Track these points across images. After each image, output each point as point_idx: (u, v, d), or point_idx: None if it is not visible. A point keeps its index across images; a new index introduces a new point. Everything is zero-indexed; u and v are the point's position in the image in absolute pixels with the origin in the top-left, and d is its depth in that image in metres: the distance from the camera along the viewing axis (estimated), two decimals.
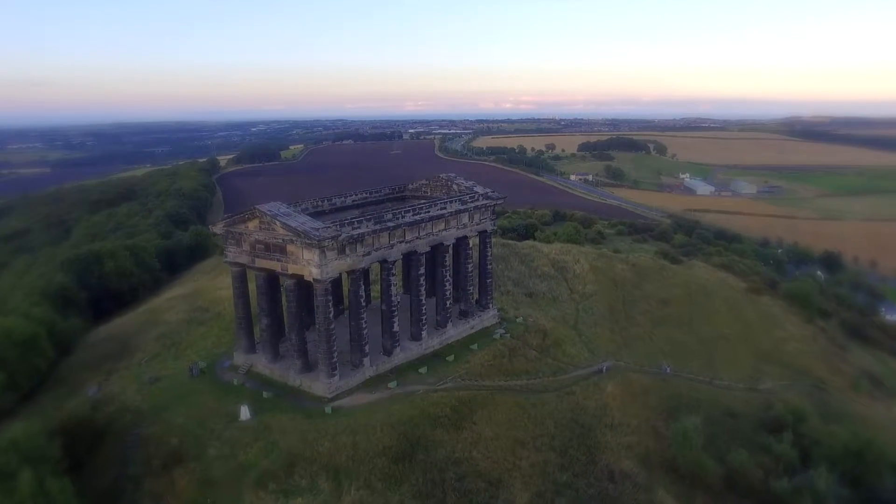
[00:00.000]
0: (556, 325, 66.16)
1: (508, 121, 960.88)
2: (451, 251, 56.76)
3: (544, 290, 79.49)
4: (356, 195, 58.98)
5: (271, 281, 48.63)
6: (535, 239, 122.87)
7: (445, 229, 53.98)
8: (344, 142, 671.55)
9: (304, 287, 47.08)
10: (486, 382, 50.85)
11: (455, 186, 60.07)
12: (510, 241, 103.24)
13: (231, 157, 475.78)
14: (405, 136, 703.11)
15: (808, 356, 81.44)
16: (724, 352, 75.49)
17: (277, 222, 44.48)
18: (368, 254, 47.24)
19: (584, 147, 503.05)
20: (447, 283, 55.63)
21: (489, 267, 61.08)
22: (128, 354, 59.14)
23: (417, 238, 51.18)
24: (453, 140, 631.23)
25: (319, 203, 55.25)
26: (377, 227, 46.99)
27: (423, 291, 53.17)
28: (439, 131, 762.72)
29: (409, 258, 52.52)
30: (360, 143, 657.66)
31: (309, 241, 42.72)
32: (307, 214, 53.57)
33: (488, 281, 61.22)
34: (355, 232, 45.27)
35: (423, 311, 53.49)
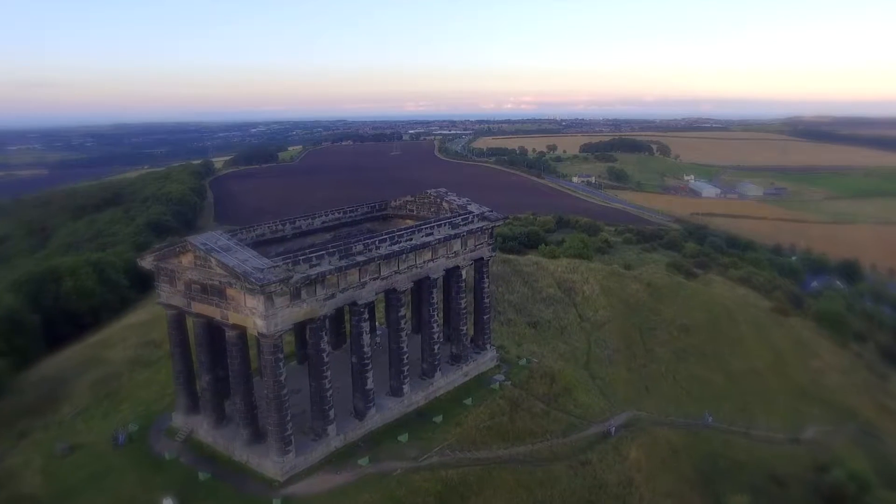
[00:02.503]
0: (565, 366, 56.32)
1: (509, 121, 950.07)
2: (441, 283, 47.22)
3: (550, 317, 69.67)
4: (327, 215, 49.21)
5: (212, 329, 38.86)
6: (538, 250, 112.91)
7: (432, 260, 44.19)
8: (343, 143, 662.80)
9: (251, 338, 37.33)
10: (482, 453, 41.02)
11: (445, 204, 50.29)
12: (511, 257, 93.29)
13: (228, 158, 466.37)
14: (405, 137, 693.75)
15: (849, 390, 71.73)
16: (758, 389, 65.72)
17: (212, 259, 34.71)
18: (332, 296, 37.44)
19: (586, 148, 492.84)
20: (435, 324, 45.85)
21: (487, 301, 51.27)
22: (53, 407, 49.27)
23: (396, 273, 41.40)
24: (453, 141, 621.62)
25: (280, 227, 45.48)
26: (344, 262, 37.21)
27: (405, 337, 43.36)
28: (440, 132, 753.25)
29: (388, 297, 42.74)
30: (359, 143, 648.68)
31: (250, 286, 32.95)
32: (264, 241, 44.03)
33: (485, 318, 51.42)
34: (314, 271, 35.48)
35: (405, 361, 43.68)
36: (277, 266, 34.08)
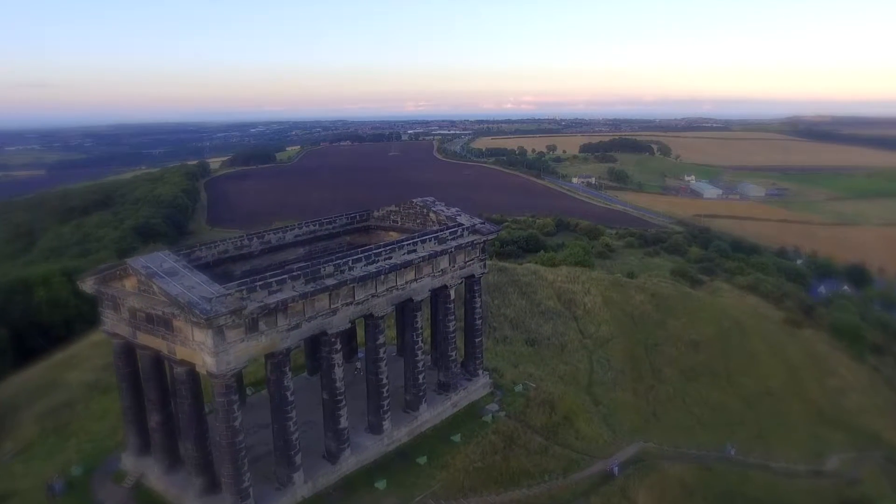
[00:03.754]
0: (565, 391, 51.30)
1: (508, 121, 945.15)
2: (429, 301, 42.34)
3: (549, 333, 64.66)
4: (300, 228, 44.23)
5: (161, 363, 33.87)
6: (537, 256, 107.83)
7: (416, 280, 39.21)
8: (342, 143, 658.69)
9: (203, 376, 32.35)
10: (471, 502, 36.04)
11: (433, 215, 45.30)
12: (507, 265, 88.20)
13: (225, 159, 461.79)
14: (404, 137, 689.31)
15: (871, 412, 66.81)
16: (774, 413, 60.76)
17: (154, 285, 29.73)
18: (297, 326, 32.45)
19: (586, 148, 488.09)
20: (419, 351, 40.84)
21: (478, 322, 46.29)
22: None
23: (374, 296, 36.42)
24: (453, 141, 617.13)
25: (245, 243, 40.51)
26: (310, 287, 32.22)
27: (384, 368, 38.36)
28: (439, 132, 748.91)
29: (366, 322, 37.75)
30: (357, 144, 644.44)
31: (195, 319, 27.98)
32: (227, 259, 39.10)
33: (477, 340, 46.44)
34: (273, 298, 30.49)
35: (385, 395, 38.70)
36: (229, 294, 29.08)
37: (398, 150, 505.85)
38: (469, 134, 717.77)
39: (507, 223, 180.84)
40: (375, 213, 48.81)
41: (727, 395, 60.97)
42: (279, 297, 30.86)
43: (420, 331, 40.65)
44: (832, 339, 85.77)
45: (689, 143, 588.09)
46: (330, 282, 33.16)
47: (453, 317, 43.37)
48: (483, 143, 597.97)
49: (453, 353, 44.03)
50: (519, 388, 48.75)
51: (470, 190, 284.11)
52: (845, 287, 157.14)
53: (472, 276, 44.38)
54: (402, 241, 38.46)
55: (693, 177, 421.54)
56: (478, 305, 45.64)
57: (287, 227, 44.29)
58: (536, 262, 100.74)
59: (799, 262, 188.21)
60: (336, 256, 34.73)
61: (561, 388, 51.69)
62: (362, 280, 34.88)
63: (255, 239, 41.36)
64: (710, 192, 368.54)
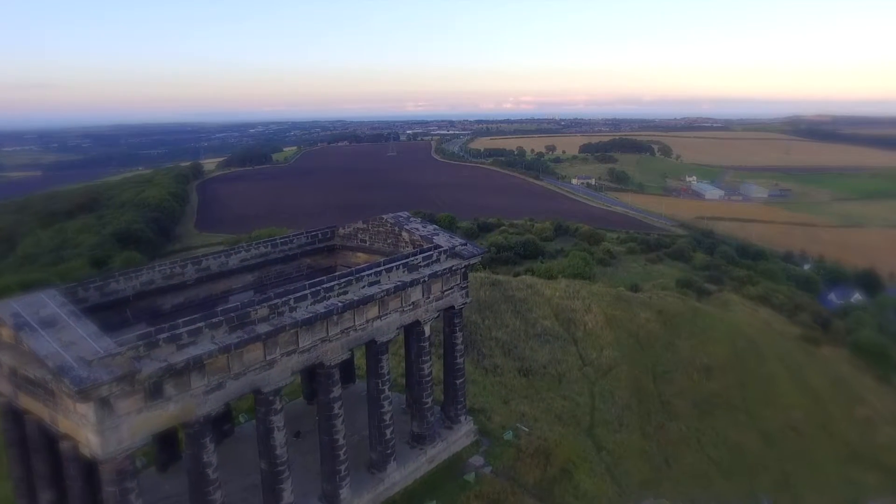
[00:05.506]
0: (563, 436, 44.21)
1: (508, 121, 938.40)
2: (405, 335, 35.39)
3: (545, 360, 57.63)
4: (248, 251, 37.23)
5: (49, 432, 26.85)
6: (534, 270, 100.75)
7: (381, 316, 32.20)
8: (339, 143, 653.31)
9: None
10: None
11: (405, 234, 38.31)
12: (501, 278, 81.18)
13: (221, 159, 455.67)
14: (402, 138, 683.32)
15: None
16: (799, 453, 53.77)
17: (24, 341, 22.73)
18: (219, 387, 25.43)
19: (586, 148, 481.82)
20: (385, 402, 33.81)
21: (459, 361, 39.23)
22: None
23: (325, 341, 29.42)
24: (451, 141, 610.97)
25: (178, 270, 33.51)
26: (236, 336, 25.23)
27: (340, 426, 31.31)
28: (437, 132, 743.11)
29: (316, 372, 30.75)
30: (355, 144, 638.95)
31: (68, 391, 20.99)
32: (153, 291, 32.21)
33: (458, 382, 39.40)
34: (183, 356, 23.47)
35: (341, 457, 31.66)
36: (118, 354, 22.06)
37: (396, 151, 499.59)
38: (468, 134, 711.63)
39: (503, 227, 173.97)
40: (341, 231, 41.80)
41: (746, 433, 53.96)
42: (192, 352, 23.84)
43: (387, 377, 33.60)
44: (853, 358, 79.03)
45: (690, 143, 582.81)
46: (263, 328, 26.14)
47: (429, 357, 36.33)
48: (482, 143, 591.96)
49: (429, 400, 36.98)
50: (509, 434, 41.69)
51: (467, 191, 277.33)
52: (857, 294, 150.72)
53: (452, 307, 37.35)
54: (362, 269, 31.45)
55: (694, 177, 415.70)
56: (458, 341, 38.59)
57: (232, 248, 37.26)
58: (533, 274, 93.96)
59: (806, 266, 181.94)
60: (276, 294, 27.65)
61: (558, 432, 44.67)
62: (308, 323, 27.87)
63: (189, 266, 34.35)
64: (711, 193, 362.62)
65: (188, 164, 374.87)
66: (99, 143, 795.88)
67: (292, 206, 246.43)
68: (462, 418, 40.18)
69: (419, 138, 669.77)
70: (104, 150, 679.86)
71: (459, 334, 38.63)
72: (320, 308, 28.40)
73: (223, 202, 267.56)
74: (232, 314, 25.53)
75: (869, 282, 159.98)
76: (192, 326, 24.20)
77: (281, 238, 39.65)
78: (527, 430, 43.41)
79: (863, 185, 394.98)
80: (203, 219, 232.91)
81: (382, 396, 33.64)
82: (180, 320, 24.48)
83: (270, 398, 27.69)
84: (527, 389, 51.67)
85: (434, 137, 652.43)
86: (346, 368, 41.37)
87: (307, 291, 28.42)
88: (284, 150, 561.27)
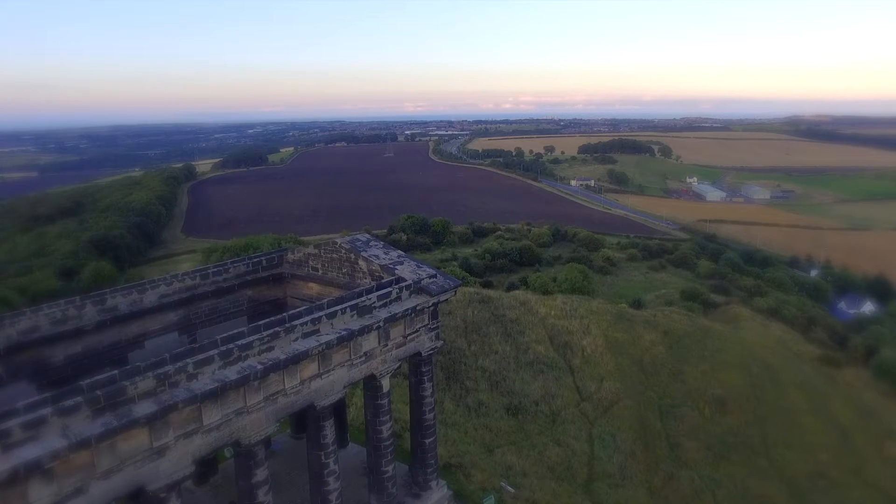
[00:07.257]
0: (557, 494, 37.42)
1: (507, 121, 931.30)
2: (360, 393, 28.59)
3: (538, 395, 50.76)
4: (169, 285, 30.37)
5: None
6: (528, 284, 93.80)
7: (321, 374, 25.36)
8: (336, 144, 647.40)
9: None
10: None
11: (362, 263, 31.49)
12: (491, 294, 74.32)
13: (217, 161, 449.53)
14: (400, 138, 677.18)
15: None
16: None
17: None
18: (79, 491, 18.58)
19: (585, 149, 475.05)
20: (331, 478, 26.96)
21: (429, 415, 32.36)
22: None
23: (242, 412, 22.57)
24: (449, 142, 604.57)
25: (74, 312, 26.71)
26: (104, 424, 18.37)
27: None
28: (436, 133, 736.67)
29: (236, 451, 23.89)
30: (353, 145, 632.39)
31: None
32: (35, 341, 25.42)
33: (428, 442, 32.52)
34: (7, 464, 16.58)
35: None
36: None
37: (393, 152, 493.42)
38: (466, 134, 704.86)
39: (499, 232, 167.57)
40: (290, 257, 34.92)
41: (769, 482, 47.07)
42: (28, 453, 16.97)
43: (331, 450, 26.75)
44: (875, 381, 72.37)
45: (690, 144, 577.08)
46: (145, 409, 19.28)
47: (388, 417, 29.48)
48: (480, 143, 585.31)
49: (389, 468, 30.12)
50: (490, 500, 34.87)
51: (463, 194, 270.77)
52: (868, 303, 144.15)
53: (418, 353, 30.51)
54: (295, 316, 24.61)
55: (695, 178, 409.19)
56: (427, 393, 31.73)
57: (149, 282, 30.34)
58: (527, 288, 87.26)
59: (813, 273, 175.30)
60: (165, 359, 20.77)
61: (550, 490, 37.86)
62: (214, 396, 21.02)
63: (88, 305, 27.51)
64: (713, 194, 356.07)
65: (180, 165, 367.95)
66: (97, 143, 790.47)
67: (283, 209, 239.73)
68: (433, 484, 33.30)
69: (417, 139, 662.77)
70: (102, 151, 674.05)
71: (429, 385, 31.77)
72: (231, 374, 21.55)
73: (213, 205, 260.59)
74: (98, 392, 18.66)
75: (880, 289, 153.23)
76: (31, 416, 17.32)
77: (214, 267, 32.77)
78: (513, 490, 36.64)
79: (866, 186, 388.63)
80: (191, 223, 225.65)
81: (327, 472, 26.80)
82: (20, 405, 17.64)
83: (162, 494, 20.80)
84: (515, 433, 44.84)
85: (432, 138, 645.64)
86: (339, 421, 34.57)
87: (215, 351, 21.55)
88: (281, 150, 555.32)
